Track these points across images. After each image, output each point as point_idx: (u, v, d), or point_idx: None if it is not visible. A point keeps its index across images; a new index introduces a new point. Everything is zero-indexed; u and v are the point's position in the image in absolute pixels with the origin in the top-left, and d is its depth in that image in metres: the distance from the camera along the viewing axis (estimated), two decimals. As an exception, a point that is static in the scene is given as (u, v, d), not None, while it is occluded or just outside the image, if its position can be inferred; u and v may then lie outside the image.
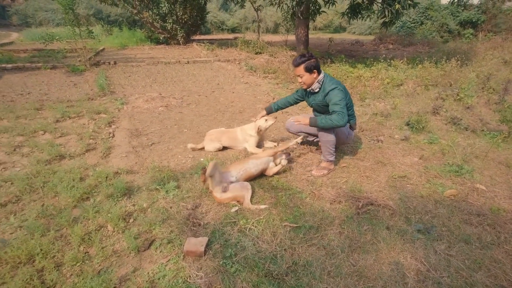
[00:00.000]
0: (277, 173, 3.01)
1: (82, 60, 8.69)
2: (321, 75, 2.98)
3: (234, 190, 2.54)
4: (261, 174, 2.97)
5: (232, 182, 2.63)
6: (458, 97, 5.31)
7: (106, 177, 2.92)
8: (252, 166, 2.84)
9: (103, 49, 12.55)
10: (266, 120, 3.42)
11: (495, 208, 2.43)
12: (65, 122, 4.52)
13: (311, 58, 2.92)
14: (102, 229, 2.26)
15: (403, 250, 2.03)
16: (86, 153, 3.54)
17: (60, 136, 4.00)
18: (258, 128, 3.40)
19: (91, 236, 2.14)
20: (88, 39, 9.10)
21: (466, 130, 4.15)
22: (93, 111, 4.90)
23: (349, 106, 3.04)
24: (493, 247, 2.07)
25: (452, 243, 2.09)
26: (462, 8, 16.49)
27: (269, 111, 3.48)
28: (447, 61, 7.40)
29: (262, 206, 2.46)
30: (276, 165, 3.01)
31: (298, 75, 2.96)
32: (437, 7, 17.17)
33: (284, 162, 3.00)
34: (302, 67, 2.90)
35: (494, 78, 6.36)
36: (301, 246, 2.06)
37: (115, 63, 9.28)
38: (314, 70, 2.93)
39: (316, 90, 3.01)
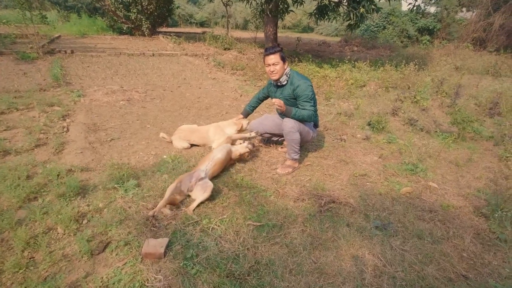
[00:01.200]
0: (243, 157, 3.08)
1: (34, 47, 7.97)
2: (288, 68, 3.02)
3: (195, 192, 2.47)
4: (229, 166, 2.98)
5: (202, 178, 2.56)
6: (415, 100, 5.63)
7: (58, 175, 2.70)
8: (217, 153, 2.83)
9: (59, 36, 11.67)
10: (248, 122, 3.45)
11: (445, 205, 2.60)
12: (12, 114, 4.12)
13: (282, 49, 3.00)
14: (51, 231, 2.08)
15: (361, 246, 2.10)
16: (35, 149, 3.25)
17: (5, 130, 3.63)
18: (241, 127, 3.43)
19: (38, 239, 1.96)
20: (41, 24, 8.39)
21: (422, 131, 4.41)
22: (45, 103, 4.52)
23: (315, 104, 3.09)
24: (443, 241, 2.21)
25: (407, 239, 2.20)
26: (420, 15, 17.57)
27: (246, 114, 3.53)
28: (406, 65, 7.82)
29: (189, 213, 2.33)
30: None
31: (273, 64, 2.94)
32: (398, 13, 18.15)
33: (248, 145, 3.06)
34: (278, 55, 2.92)
35: (447, 82, 6.83)
36: (264, 245, 2.05)
37: (72, 52, 8.65)
38: (286, 61, 2.99)
39: (284, 83, 3.04)
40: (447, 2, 16.42)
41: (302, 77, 3.02)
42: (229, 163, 3.02)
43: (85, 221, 2.21)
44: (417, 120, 4.59)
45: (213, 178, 2.79)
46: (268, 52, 2.96)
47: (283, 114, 2.99)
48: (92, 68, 7.37)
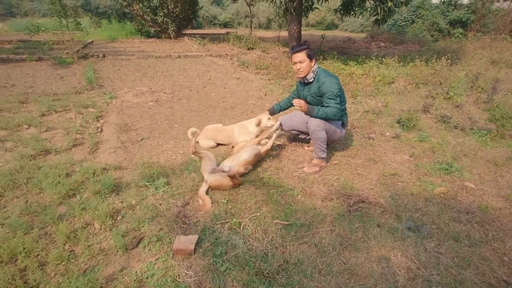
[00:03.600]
0: (271, 147, 3.11)
1: (69, 52, 8.45)
2: (316, 66, 3.00)
3: (217, 177, 2.56)
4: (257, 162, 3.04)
5: (224, 171, 2.60)
6: (448, 96, 5.37)
7: (94, 173, 2.84)
8: (243, 153, 2.88)
9: (92, 41, 12.27)
10: (269, 119, 3.39)
11: (484, 206, 2.46)
12: (51, 116, 4.38)
13: (309, 46, 2.97)
14: (89, 226, 2.20)
15: (393, 248, 2.03)
16: (72, 148, 3.44)
17: (46, 131, 3.88)
18: (260, 121, 3.37)
19: (77, 234, 2.08)
20: (76, 31, 8.86)
21: (456, 129, 4.20)
22: (80, 105, 4.77)
23: (342, 102, 3.04)
24: (481, 244, 2.09)
25: (442, 241, 2.10)
26: (453, 7, 16.71)
27: (272, 113, 3.49)
28: (437, 60, 7.48)
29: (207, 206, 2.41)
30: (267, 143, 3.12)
31: (299, 61, 2.93)
32: (428, 6, 17.35)
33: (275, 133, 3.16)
34: (304, 53, 2.91)
35: (482, 77, 6.44)
36: (293, 244, 2.04)
37: (104, 56, 9.07)
38: (313, 59, 2.97)
39: (310, 80, 3.02)
40: (482, -8, 15.49)
41: (329, 74, 2.98)
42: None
43: (119, 217, 2.31)
44: (451, 117, 4.37)
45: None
46: (294, 50, 2.95)
47: (306, 113, 2.96)
48: (122, 71, 7.67)
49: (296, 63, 2.96)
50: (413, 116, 4.12)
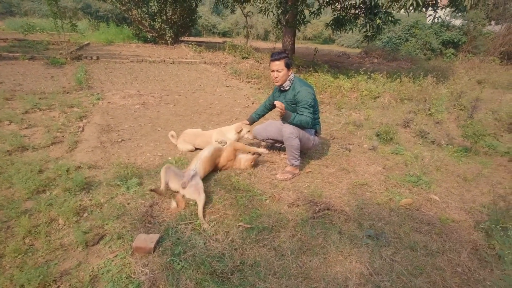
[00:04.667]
0: (247, 167, 3.15)
1: (63, 53, 8.51)
2: (292, 74, 3.09)
3: (190, 193, 2.54)
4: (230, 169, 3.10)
5: (193, 176, 2.64)
6: (429, 112, 5.49)
7: (67, 170, 2.86)
8: (203, 151, 2.95)
9: (88, 43, 12.35)
10: (248, 131, 3.50)
11: (445, 218, 2.52)
12: (35, 114, 4.41)
13: (288, 55, 3.06)
14: (53, 222, 2.21)
15: (350, 254, 2.07)
16: (51, 146, 3.46)
17: (26, 128, 3.90)
18: (241, 130, 3.47)
19: (39, 228, 2.09)
20: (71, 32, 8.95)
21: (433, 144, 4.29)
22: (65, 105, 4.80)
23: (315, 111, 3.12)
24: (437, 254, 2.14)
25: (399, 249, 2.15)
26: (445, 28, 17.15)
27: (252, 121, 3.58)
28: (425, 77, 7.66)
29: (205, 225, 2.26)
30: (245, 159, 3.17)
31: (276, 70, 3.02)
32: (421, 25, 17.79)
33: (253, 156, 3.20)
34: (283, 61, 2.99)
35: (466, 96, 6.61)
36: (252, 247, 2.07)
37: (97, 58, 9.14)
38: (291, 68, 3.05)
39: (286, 88, 3.10)
40: (474, 15, 15.94)
41: (305, 83, 3.07)
42: (227, 163, 3.10)
43: (85, 214, 2.33)
44: (429, 133, 4.47)
45: (208, 178, 2.86)
46: (273, 58, 3.04)
47: (282, 119, 3.04)
48: (114, 73, 7.74)
49: (274, 71, 3.04)
50: (390, 129, 4.22)
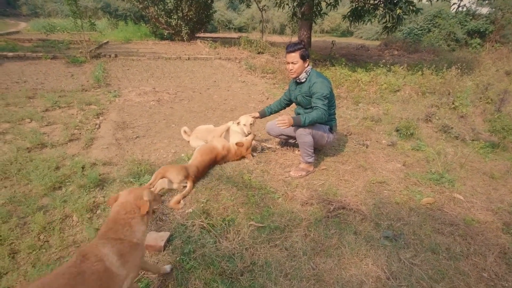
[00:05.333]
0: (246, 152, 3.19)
1: (83, 52, 8.72)
2: (309, 67, 2.99)
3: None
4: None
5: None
6: (453, 106, 5.22)
7: (82, 167, 2.90)
8: (195, 153, 3.03)
9: (107, 42, 12.62)
10: (244, 125, 3.39)
11: (469, 219, 2.37)
12: (54, 112, 4.52)
13: (305, 47, 2.96)
14: (67, 219, 2.25)
15: (366, 256, 1.98)
16: (68, 143, 3.54)
17: (46, 125, 4.00)
18: (239, 122, 3.43)
19: (54, 225, 2.13)
20: (91, 31, 9.15)
21: (457, 139, 4.08)
22: (83, 102, 4.90)
23: (331, 106, 3.01)
24: (461, 258, 2.01)
25: (419, 252, 2.04)
26: (471, 17, 16.32)
27: (263, 115, 3.47)
28: (448, 69, 7.30)
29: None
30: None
31: (292, 62, 2.94)
32: (445, 15, 17.02)
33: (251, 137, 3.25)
34: (298, 53, 2.90)
35: (493, 88, 6.25)
36: (263, 246, 2.02)
37: (116, 56, 9.31)
38: (307, 59, 2.95)
39: (302, 81, 3.02)
40: (501, 3, 15.05)
41: (321, 76, 2.97)
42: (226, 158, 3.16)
43: (98, 211, 2.35)
44: (452, 127, 4.25)
45: (221, 174, 2.83)
46: (288, 49, 2.95)
47: (294, 126, 2.91)
48: (131, 71, 7.85)
49: (289, 63, 2.96)
50: (411, 124, 4.03)
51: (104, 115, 4.56)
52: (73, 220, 2.23)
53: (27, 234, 2.05)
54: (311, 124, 2.87)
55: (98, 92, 5.71)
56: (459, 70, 7.13)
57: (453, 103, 5.26)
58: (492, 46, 13.60)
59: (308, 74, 3.00)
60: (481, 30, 15.82)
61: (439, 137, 4.15)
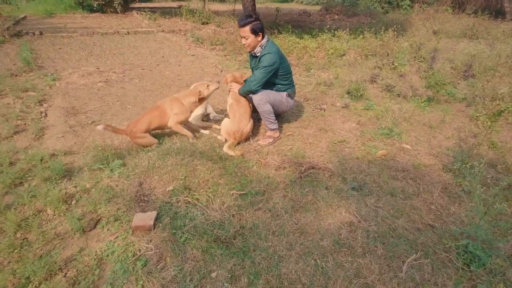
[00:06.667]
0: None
1: (-1, 30, 7.57)
2: (265, 40, 3.03)
3: None
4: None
5: None
6: (393, 66, 5.73)
7: (41, 159, 2.71)
8: None
9: (25, 17, 11.00)
10: (208, 86, 3.32)
11: (417, 164, 2.78)
12: (-15, 102, 4.00)
13: (257, 20, 2.93)
14: (41, 213, 2.14)
15: (339, 206, 2.25)
16: (14, 136, 3.22)
17: (-19, 118, 3.55)
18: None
19: (29, 221, 2.02)
20: (2, 4, 7.89)
21: (399, 96, 4.55)
22: (18, 89, 4.38)
23: (285, 74, 3.15)
24: (413, 197, 2.39)
25: (380, 197, 2.37)
26: (400, -21, 17.28)
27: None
28: (385, 31, 7.84)
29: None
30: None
31: (243, 37, 2.95)
32: (378, -22, 17.76)
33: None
34: (248, 28, 2.90)
35: (424, 47, 6.93)
36: (248, 211, 2.18)
37: (41, 33, 8.24)
38: (259, 33, 2.96)
39: (257, 54, 3.06)
40: (426, -36, 16.17)
41: (271, 48, 3.00)
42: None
43: (73, 202, 2.27)
44: (394, 86, 4.71)
45: (193, 150, 2.87)
46: (239, 24, 2.95)
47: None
48: (64, 50, 7.08)
49: (242, 37, 2.98)
50: (360, 87, 4.38)
51: (47, 101, 4.16)
52: (48, 214, 2.13)
53: (1, 234, 1.93)
54: (246, 93, 3.08)
55: (32, 76, 5.12)
56: (395, 32, 7.71)
57: (393, 64, 5.76)
58: (420, 7, 14.72)
59: (263, 47, 3.03)
60: (410, -8, 16.93)
61: (384, 96, 4.59)
